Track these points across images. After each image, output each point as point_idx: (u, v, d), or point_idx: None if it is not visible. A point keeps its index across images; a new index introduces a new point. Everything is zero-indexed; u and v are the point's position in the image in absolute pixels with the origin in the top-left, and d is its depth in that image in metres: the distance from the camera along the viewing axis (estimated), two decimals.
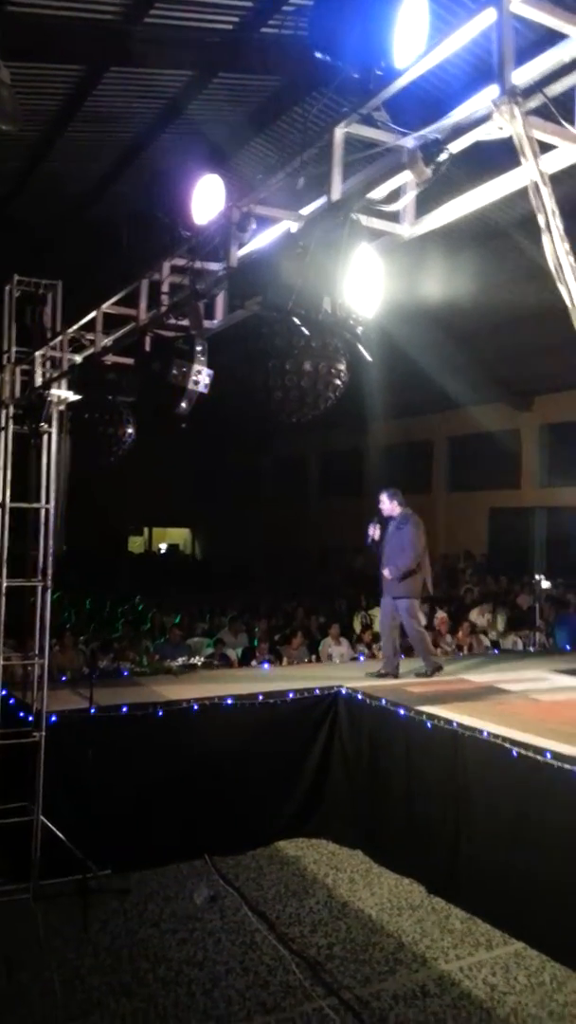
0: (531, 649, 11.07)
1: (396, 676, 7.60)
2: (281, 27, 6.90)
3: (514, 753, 5.34)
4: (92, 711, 6.14)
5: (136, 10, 7.01)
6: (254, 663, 9.89)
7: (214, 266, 3.67)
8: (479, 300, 11.81)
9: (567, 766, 4.98)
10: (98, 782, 6.01)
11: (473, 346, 15.32)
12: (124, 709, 6.30)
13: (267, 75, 7.82)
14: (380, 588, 7.83)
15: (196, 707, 6.52)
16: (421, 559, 7.64)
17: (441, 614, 12.41)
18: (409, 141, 2.61)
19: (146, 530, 32.99)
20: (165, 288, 4.12)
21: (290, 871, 6.28)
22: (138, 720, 6.31)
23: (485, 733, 5.62)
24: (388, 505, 7.79)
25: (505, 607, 13.72)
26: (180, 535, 33.25)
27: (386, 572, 7.59)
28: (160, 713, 6.39)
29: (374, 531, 7.78)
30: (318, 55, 2.71)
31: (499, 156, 2.71)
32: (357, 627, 12.24)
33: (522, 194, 2.68)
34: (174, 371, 3.73)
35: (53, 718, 6.02)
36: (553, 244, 2.03)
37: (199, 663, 8.83)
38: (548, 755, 5.12)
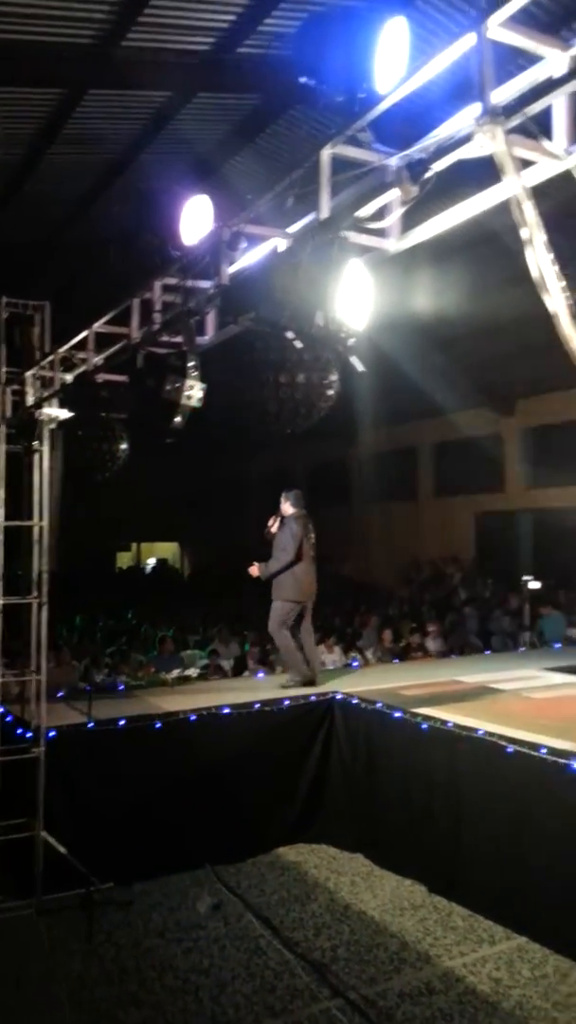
0: (522, 649, 11.23)
1: (310, 682, 7.47)
2: (258, 47, 7.04)
3: (510, 750, 5.43)
4: (90, 725, 6.20)
5: (114, 34, 7.12)
6: (247, 673, 9.97)
7: (205, 284, 3.77)
8: (460, 307, 11.97)
9: (562, 760, 5.08)
10: (98, 796, 6.06)
11: (455, 352, 15.47)
12: (122, 722, 6.33)
13: (245, 94, 7.95)
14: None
15: (193, 718, 6.57)
16: (293, 563, 7.46)
17: (435, 626, 12.48)
18: (394, 160, 2.73)
19: (134, 545, 32.95)
20: (157, 306, 4.22)
21: (291, 877, 6.33)
22: (136, 732, 6.35)
23: (481, 732, 5.71)
24: (283, 505, 7.74)
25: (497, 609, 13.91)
26: (168, 549, 33.22)
27: (252, 570, 7.60)
28: (158, 725, 6.43)
29: (273, 524, 7.72)
30: (303, 80, 2.81)
31: (480, 170, 2.83)
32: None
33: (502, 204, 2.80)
34: (167, 387, 3.82)
35: (52, 733, 6.05)
36: (536, 256, 2.14)
37: (194, 675, 8.89)
38: (543, 751, 5.23)
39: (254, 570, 7.64)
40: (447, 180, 3.11)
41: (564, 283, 2.12)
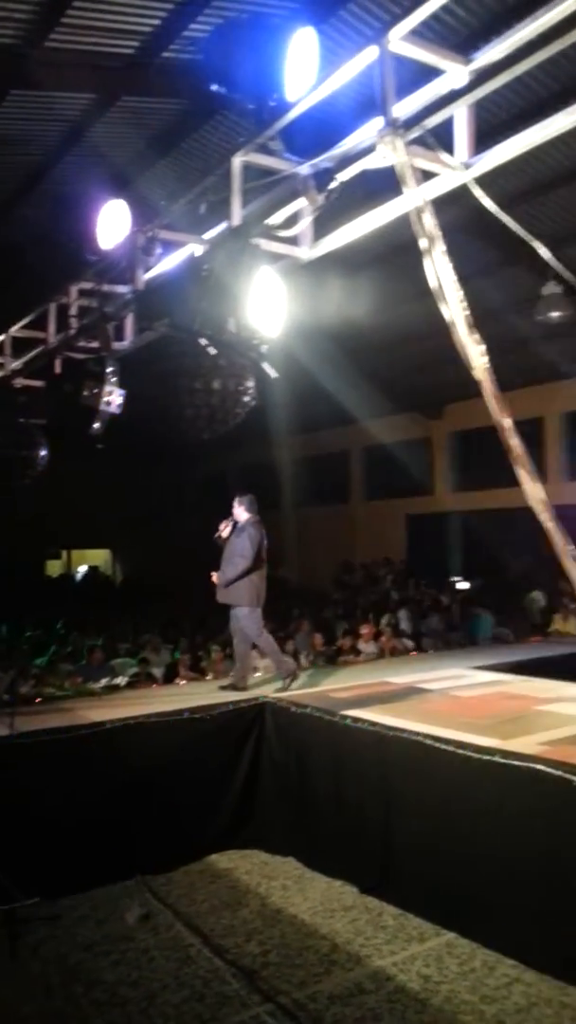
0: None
1: (242, 688, 7.67)
2: (182, 53, 7.02)
3: (436, 749, 5.52)
4: (11, 737, 6.07)
5: (36, 34, 7.01)
6: (179, 680, 9.90)
7: (121, 289, 3.74)
8: (389, 312, 12.14)
9: (486, 757, 5.19)
10: (22, 809, 5.92)
11: (385, 357, 15.72)
12: (46, 734, 6.22)
13: (169, 98, 7.91)
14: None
15: (119, 727, 6.49)
16: (253, 568, 7.62)
17: (367, 629, 12.60)
18: (304, 169, 2.76)
19: (64, 553, 32.44)
20: (74, 311, 4.17)
21: (223, 884, 6.30)
22: (61, 744, 6.24)
23: (408, 732, 5.79)
24: (236, 510, 7.83)
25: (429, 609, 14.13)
26: (100, 556, 32.81)
27: (214, 577, 7.69)
28: (84, 735, 6.34)
29: (224, 528, 7.80)
30: (214, 87, 2.82)
31: (395, 180, 2.88)
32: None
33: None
34: (85, 392, 3.77)
35: None
36: (435, 267, 2.19)
37: (123, 683, 8.78)
38: (469, 749, 5.33)
39: (215, 578, 7.64)
40: (369, 189, 3.16)
41: (461, 293, 2.17)
